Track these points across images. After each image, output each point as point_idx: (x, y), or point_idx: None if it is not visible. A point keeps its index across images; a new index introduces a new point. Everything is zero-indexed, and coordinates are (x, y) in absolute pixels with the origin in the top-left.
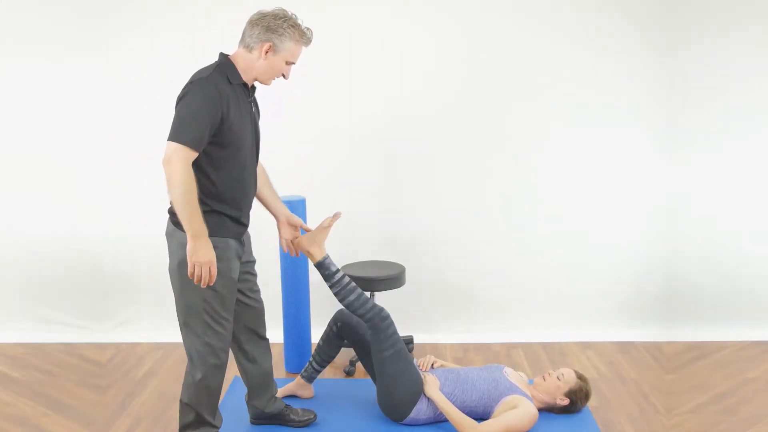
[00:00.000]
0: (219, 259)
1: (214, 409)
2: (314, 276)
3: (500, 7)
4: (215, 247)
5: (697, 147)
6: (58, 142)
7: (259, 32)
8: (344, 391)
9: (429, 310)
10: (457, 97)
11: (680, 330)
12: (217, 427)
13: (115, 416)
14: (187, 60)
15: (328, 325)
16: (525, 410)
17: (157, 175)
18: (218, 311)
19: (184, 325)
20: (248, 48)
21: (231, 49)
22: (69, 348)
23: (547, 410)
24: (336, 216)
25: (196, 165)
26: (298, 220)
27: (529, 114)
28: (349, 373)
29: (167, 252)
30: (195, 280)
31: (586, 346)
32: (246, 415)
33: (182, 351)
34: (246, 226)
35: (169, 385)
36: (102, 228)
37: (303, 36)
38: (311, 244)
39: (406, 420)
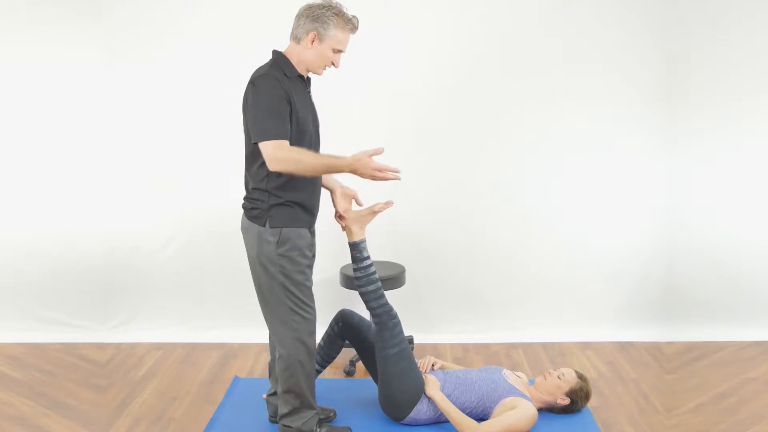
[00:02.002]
0: (293, 248)
1: (312, 391)
2: (315, 276)
3: (503, 12)
4: (288, 239)
5: (696, 147)
6: (58, 142)
7: (304, 22)
8: (344, 391)
9: (429, 310)
10: (458, 97)
11: (680, 330)
12: (315, 410)
13: (115, 416)
14: (188, 60)
15: (330, 325)
16: (524, 410)
17: (157, 175)
18: (299, 297)
19: (269, 313)
20: (297, 40)
21: (234, 47)
22: (69, 348)
23: (548, 410)
24: (388, 203)
25: None
26: (352, 191)
27: (529, 115)
28: (349, 373)
29: (243, 247)
30: (384, 177)
31: (586, 346)
32: (246, 416)
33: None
34: (316, 215)
35: (169, 385)
36: (102, 228)
37: (348, 23)
38: (355, 222)
39: (406, 420)
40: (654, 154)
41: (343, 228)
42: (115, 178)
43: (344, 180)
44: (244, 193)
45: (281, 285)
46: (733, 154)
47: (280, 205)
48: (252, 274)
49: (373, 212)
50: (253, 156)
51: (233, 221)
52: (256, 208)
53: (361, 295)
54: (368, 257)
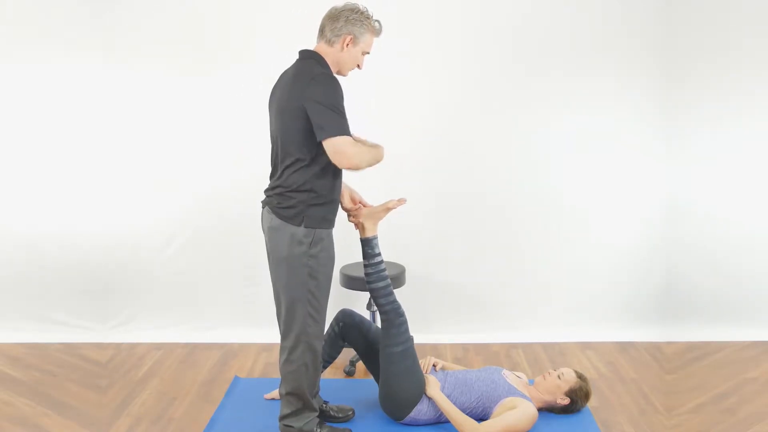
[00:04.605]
0: (323, 249)
1: (312, 393)
2: None
3: (505, 13)
4: (320, 240)
5: (696, 147)
6: (59, 142)
7: (341, 25)
8: (344, 391)
9: (429, 310)
10: (459, 98)
11: (680, 330)
12: (317, 411)
13: (115, 416)
14: (188, 60)
15: (330, 325)
16: (524, 410)
17: (157, 175)
18: (320, 301)
19: (287, 315)
20: (329, 42)
21: (233, 47)
22: (69, 348)
23: (548, 410)
24: (401, 201)
25: (318, 163)
26: (358, 195)
27: (528, 115)
28: (349, 373)
29: (261, 243)
30: None
31: (586, 346)
32: (246, 416)
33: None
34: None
35: (169, 385)
36: (102, 228)
37: (375, 27)
38: (368, 218)
39: (406, 419)
40: (654, 153)
41: (356, 225)
42: (115, 178)
43: (351, 182)
44: (244, 193)
45: (305, 287)
46: (733, 153)
47: (318, 206)
48: (274, 275)
49: (386, 209)
50: (300, 155)
51: (233, 221)
52: (293, 208)
53: (371, 291)
54: (379, 254)
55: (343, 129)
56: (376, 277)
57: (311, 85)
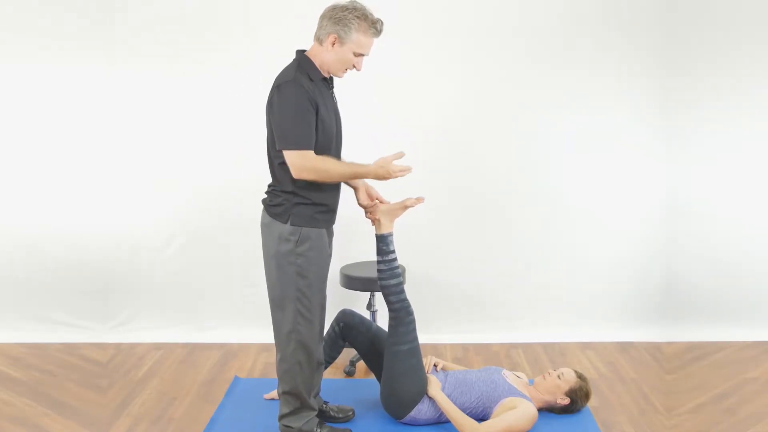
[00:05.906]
0: (312, 247)
1: (310, 392)
2: None
3: (507, 15)
4: (307, 238)
5: (696, 147)
6: (59, 141)
7: (326, 24)
8: (344, 391)
9: (429, 310)
10: (459, 98)
11: (680, 330)
12: (316, 410)
13: (115, 416)
14: (188, 61)
15: (330, 325)
16: (524, 410)
17: (157, 175)
18: (311, 300)
19: (278, 312)
20: (319, 41)
21: (234, 47)
22: (69, 348)
23: (548, 410)
24: (419, 199)
25: None
26: (375, 192)
27: (528, 115)
28: (349, 373)
29: (261, 243)
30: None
31: (586, 346)
32: (246, 416)
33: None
34: (335, 216)
35: (169, 385)
36: (102, 228)
37: (371, 27)
38: (385, 214)
39: (406, 419)
40: (654, 153)
41: (373, 221)
42: (115, 178)
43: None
44: (244, 192)
45: (294, 286)
46: (733, 153)
47: (304, 205)
48: (266, 272)
49: (404, 206)
50: (278, 156)
51: (233, 221)
52: (280, 206)
53: (382, 288)
54: (393, 251)
55: (292, 141)
56: (389, 274)
57: (273, 93)
